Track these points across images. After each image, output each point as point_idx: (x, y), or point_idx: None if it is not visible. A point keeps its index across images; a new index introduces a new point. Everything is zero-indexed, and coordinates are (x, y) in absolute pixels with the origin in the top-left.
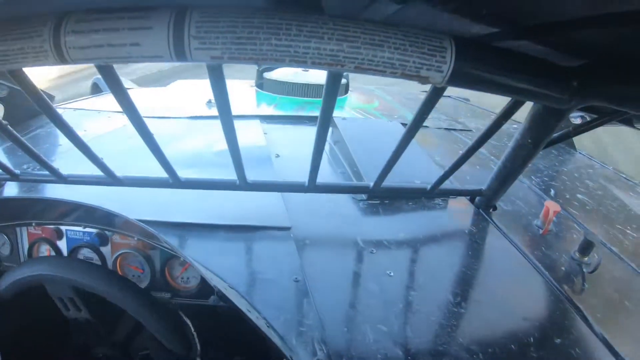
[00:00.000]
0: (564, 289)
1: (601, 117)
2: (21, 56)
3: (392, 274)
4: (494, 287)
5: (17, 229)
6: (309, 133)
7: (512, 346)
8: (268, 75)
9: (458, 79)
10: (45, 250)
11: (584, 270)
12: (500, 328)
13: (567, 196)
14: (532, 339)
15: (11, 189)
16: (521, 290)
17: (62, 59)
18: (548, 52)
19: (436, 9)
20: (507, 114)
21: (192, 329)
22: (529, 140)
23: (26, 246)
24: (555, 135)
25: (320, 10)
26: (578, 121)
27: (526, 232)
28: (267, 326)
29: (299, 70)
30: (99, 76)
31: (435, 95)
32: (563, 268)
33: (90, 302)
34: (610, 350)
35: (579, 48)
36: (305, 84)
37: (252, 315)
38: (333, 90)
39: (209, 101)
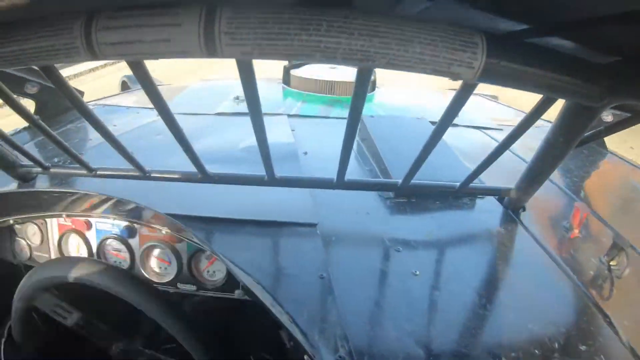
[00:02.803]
0: (592, 293)
1: (635, 116)
2: (53, 52)
3: (417, 273)
4: (520, 289)
5: (48, 220)
6: (337, 131)
7: (536, 351)
8: (295, 72)
9: (489, 75)
10: (74, 241)
11: (613, 274)
12: (524, 332)
13: (598, 198)
14: (556, 344)
15: (42, 182)
16: (548, 294)
17: (93, 55)
18: (580, 49)
19: (465, 5)
20: (537, 112)
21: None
22: (561, 139)
23: (56, 237)
24: (587, 134)
25: (350, 5)
26: (609, 118)
27: (555, 234)
28: (290, 322)
29: (326, 67)
30: (128, 74)
31: (465, 91)
32: (591, 272)
33: (81, 302)
34: (636, 359)
35: (612, 44)
36: (332, 81)
37: (276, 310)
38: (363, 86)
39: (236, 97)
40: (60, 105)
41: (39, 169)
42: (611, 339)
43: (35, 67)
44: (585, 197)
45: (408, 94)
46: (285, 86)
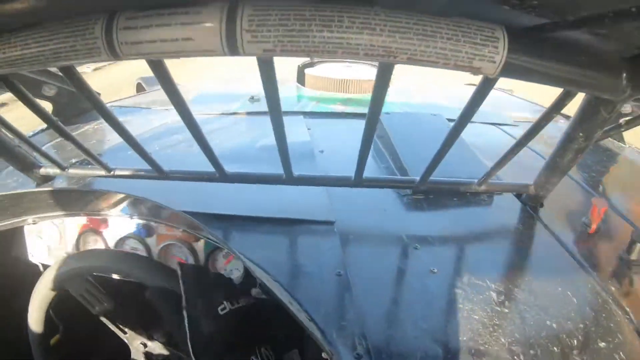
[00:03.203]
0: (611, 290)
1: None
2: (73, 53)
3: (435, 270)
4: (539, 286)
5: (66, 219)
6: (353, 129)
7: (555, 348)
8: (309, 71)
9: (510, 69)
10: (92, 240)
11: (632, 270)
12: (543, 329)
13: (616, 193)
14: (575, 341)
15: (61, 182)
16: (566, 290)
17: (114, 55)
18: (601, 42)
19: (487, 0)
20: (557, 106)
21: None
22: (580, 134)
23: (74, 236)
24: (606, 128)
25: (371, 1)
26: (629, 110)
27: (573, 230)
28: (309, 319)
29: (340, 66)
30: (143, 77)
31: (486, 86)
32: (610, 268)
33: (114, 293)
34: None
35: (632, 37)
36: (347, 79)
37: (294, 308)
38: (384, 82)
39: (251, 97)
40: (76, 107)
41: (57, 170)
42: (631, 335)
43: (53, 70)
44: (604, 192)
45: (424, 90)
46: (299, 86)
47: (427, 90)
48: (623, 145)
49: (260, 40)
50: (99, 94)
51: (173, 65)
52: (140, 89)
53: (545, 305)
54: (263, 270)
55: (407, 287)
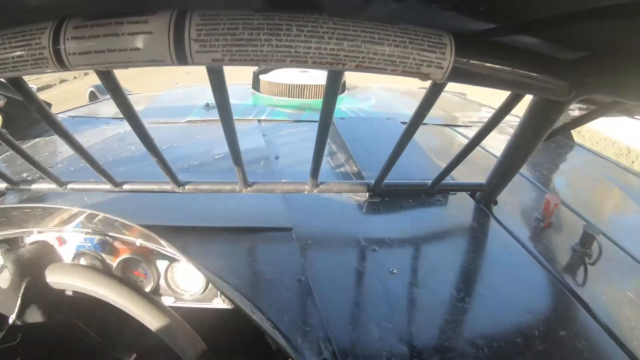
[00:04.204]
0: (567, 281)
1: (601, 109)
2: (20, 64)
3: (395, 271)
4: (497, 281)
5: (19, 238)
6: (307, 134)
7: (517, 339)
8: (264, 77)
9: (458, 74)
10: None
11: (586, 261)
12: (504, 322)
13: (567, 189)
14: (536, 331)
15: (12, 198)
16: (524, 284)
17: (62, 66)
18: (547, 46)
19: (434, 6)
20: (506, 108)
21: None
22: (529, 134)
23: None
24: (554, 127)
25: (319, 9)
26: (577, 113)
27: (527, 226)
28: (272, 327)
29: (296, 71)
30: (96, 84)
31: (435, 91)
32: (565, 261)
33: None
34: (615, 341)
35: (576, 41)
36: (302, 85)
37: (257, 317)
38: (334, 89)
39: (207, 105)
40: (29, 118)
41: (8, 185)
42: (589, 323)
43: (2, 80)
44: (555, 189)
45: (378, 94)
46: (254, 91)
47: (386, 94)
48: (572, 143)
49: (209, 49)
50: (50, 104)
51: None
52: (93, 97)
53: (504, 299)
54: (223, 280)
55: (368, 289)
